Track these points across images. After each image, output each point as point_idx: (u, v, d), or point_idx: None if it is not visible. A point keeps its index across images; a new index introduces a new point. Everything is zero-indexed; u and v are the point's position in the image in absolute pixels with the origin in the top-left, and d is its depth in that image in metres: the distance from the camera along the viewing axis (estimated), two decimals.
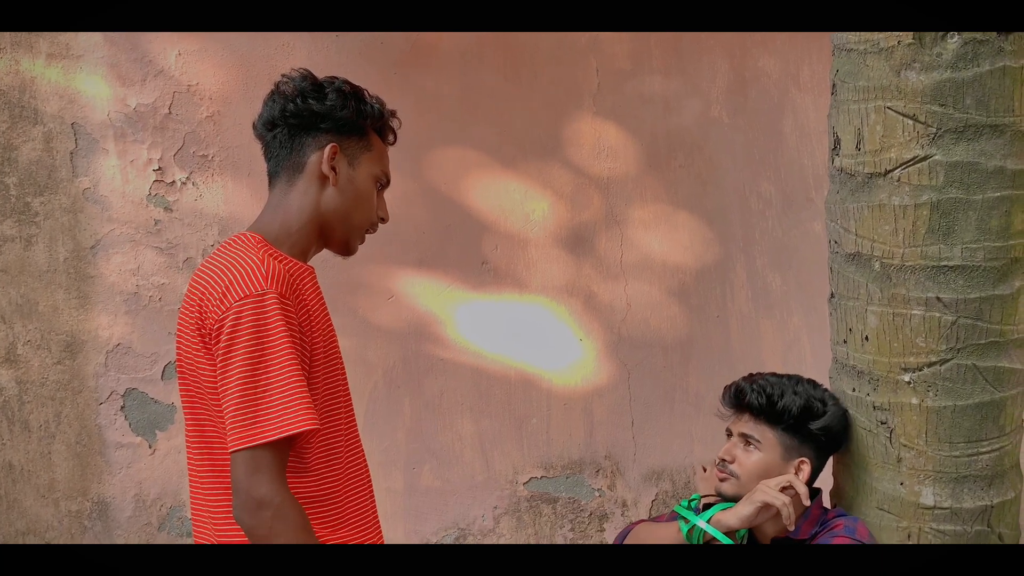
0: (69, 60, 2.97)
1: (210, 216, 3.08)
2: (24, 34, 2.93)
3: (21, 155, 2.96)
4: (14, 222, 2.96)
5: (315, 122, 1.70)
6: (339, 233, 1.74)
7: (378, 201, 1.77)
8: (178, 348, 1.70)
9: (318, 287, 1.73)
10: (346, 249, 1.77)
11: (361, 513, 1.73)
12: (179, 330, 1.69)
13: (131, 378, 3.03)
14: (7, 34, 2.93)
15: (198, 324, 1.61)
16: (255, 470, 1.51)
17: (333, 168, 1.70)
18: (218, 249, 1.69)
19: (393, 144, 1.82)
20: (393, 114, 1.79)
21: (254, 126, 1.76)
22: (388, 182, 1.80)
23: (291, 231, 1.70)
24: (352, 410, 1.78)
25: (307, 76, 1.72)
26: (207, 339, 1.59)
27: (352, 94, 1.72)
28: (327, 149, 1.69)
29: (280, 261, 1.64)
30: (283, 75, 1.73)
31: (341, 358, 1.77)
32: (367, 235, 1.79)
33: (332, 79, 1.73)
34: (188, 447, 1.72)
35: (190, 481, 1.73)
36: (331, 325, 1.75)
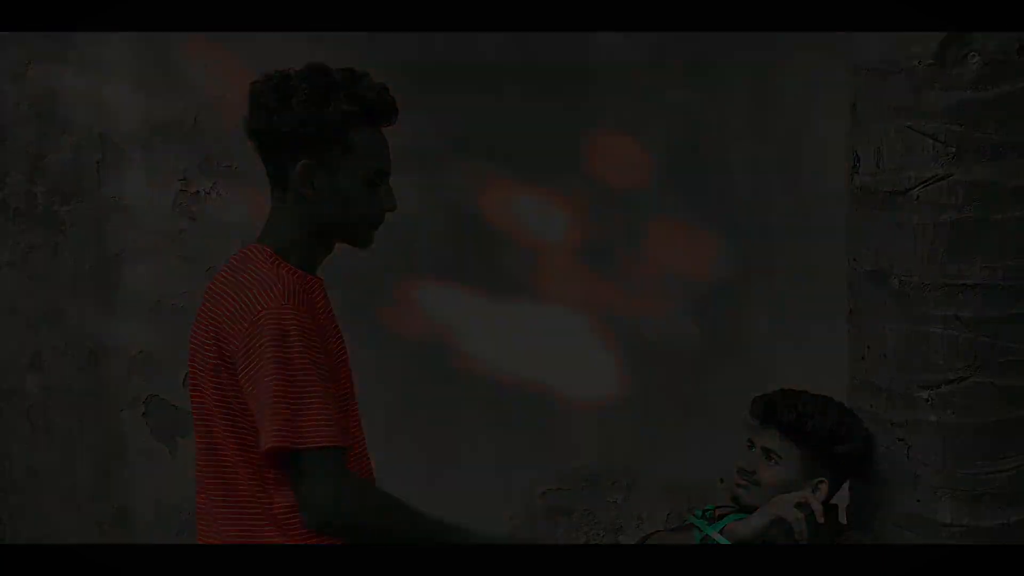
0: (98, 71, 3.02)
1: (234, 226, 3.11)
2: (54, 45, 2.98)
3: (49, 164, 3.01)
4: (42, 230, 3.00)
5: (283, 141, 1.60)
6: (341, 235, 1.70)
7: (378, 193, 1.66)
8: (191, 361, 1.68)
9: (327, 299, 1.72)
10: (356, 245, 1.71)
11: None
12: (192, 343, 1.68)
13: (153, 385, 3.06)
14: (37, 45, 2.98)
15: (216, 341, 1.61)
16: (310, 475, 1.53)
17: (310, 183, 1.62)
18: (229, 264, 1.68)
19: (392, 124, 1.66)
20: (381, 93, 1.62)
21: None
22: (386, 173, 1.66)
23: (295, 242, 1.66)
24: (359, 423, 1.75)
25: (272, 84, 1.60)
26: (227, 358, 1.59)
27: (314, 101, 1.57)
28: (299, 167, 1.61)
29: (291, 273, 1.63)
30: (253, 81, 1.62)
31: (349, 370, 1.74)
32: (381, 224, 1.70)
33: (301, 80, 1.59)
34: (197, 455, 1.69)
35: (197, 484, 1.70)
36: (340, 338, 1.73)
